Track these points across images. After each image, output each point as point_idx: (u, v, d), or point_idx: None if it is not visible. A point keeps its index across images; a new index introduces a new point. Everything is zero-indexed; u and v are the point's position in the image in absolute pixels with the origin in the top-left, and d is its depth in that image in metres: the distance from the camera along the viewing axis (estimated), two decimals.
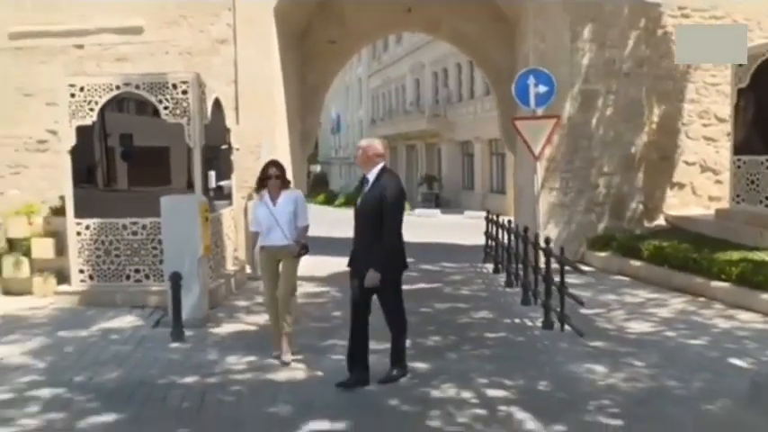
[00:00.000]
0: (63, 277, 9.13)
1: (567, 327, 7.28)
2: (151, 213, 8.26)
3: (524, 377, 5.74)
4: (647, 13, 11.81)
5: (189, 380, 5.67)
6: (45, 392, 5.28)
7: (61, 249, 9.18)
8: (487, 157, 31.70)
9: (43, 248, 9.14)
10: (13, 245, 9.26)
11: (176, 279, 6.95)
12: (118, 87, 8.44)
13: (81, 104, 8.45)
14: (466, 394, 5.35)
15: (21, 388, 5.42)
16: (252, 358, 6.31)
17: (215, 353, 6.53)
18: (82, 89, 8.45)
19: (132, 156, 9.62)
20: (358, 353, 5.51)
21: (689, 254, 9.61)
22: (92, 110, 8.44)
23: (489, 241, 12.84)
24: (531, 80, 10.57)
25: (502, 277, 10.77)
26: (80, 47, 12.11)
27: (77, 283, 8.69)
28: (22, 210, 9.37)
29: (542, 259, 8.07)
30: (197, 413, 4.91)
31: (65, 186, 8.75)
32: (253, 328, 7.63)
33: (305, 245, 6.25)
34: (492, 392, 5.39)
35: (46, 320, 7.83)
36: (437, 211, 29.50)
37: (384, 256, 5.35)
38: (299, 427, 4.61)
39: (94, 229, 8.60)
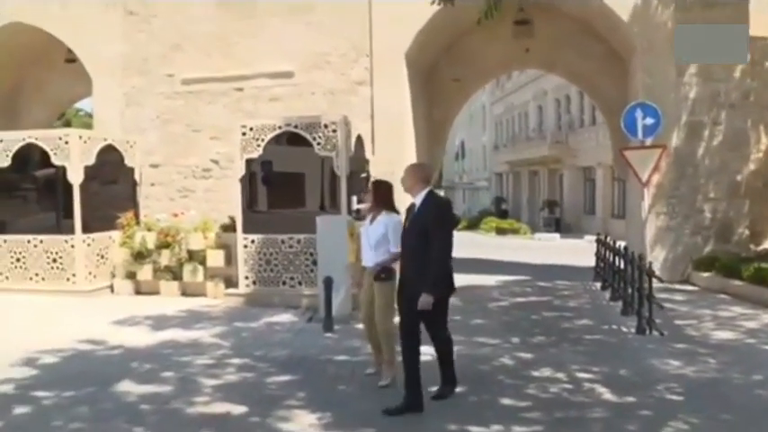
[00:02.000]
0: (230, 282, 11.17)
1: (655, 332, 8.35)
2: (290, 231, 10.02)
3: (609, 366, 6.93)
4: (752, 48, 12.49)
5: (340, 358, 7.29)
6: (235, 361, 7.08)
7: (229, 259, 11.24)
8: (609, 182, 32.03)
9: (215, 258, 11.21)
10: (192, 255, 11.41)
11: (329, 282, 8.69)
12: (280, 127, 10.42)
13: (250, 141, 10.49)
14: (559, 375, 6.63)
15: (217, 357, 7.27)
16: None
17: (359, 342, 8.13)
18: (251, 129, 10.49)
19: (271, 181, 10.96)
20: (418, 379, 5.47)
21: None
22: (258, 146, 10.46)
23: (599, 261, 13.81)
24: (639, 113, 11.59)
25: (608, 293, 11.78)
26: (240, 90, 14.43)
27: (243, 287, 10.68)
28: (199, 226, 11.52)
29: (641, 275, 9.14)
30: (349, 380, 6.46)
31: (235, 207, 10.79)
32: None
33: (386, 269, 6.06)
34: (580, 375, 6.63)
35: (222, 315, 9.81)
36: (556, 236, 30.21)
37: (435, 278, 5.35)
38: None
39: (258, 242, 10.57)
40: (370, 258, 6.23)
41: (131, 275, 11.58)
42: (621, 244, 13.10)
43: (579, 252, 22.96)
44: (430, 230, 5.35)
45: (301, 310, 10.02)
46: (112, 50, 14.80)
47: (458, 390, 5.99)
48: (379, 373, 6.33)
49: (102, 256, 11.76)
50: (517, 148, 42.74)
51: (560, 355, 7.55)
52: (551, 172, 38.70)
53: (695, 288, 11.91)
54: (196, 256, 11.34)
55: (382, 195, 6.29)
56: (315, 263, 10.37)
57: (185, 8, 14.42)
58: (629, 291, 9.80)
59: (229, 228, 11.42)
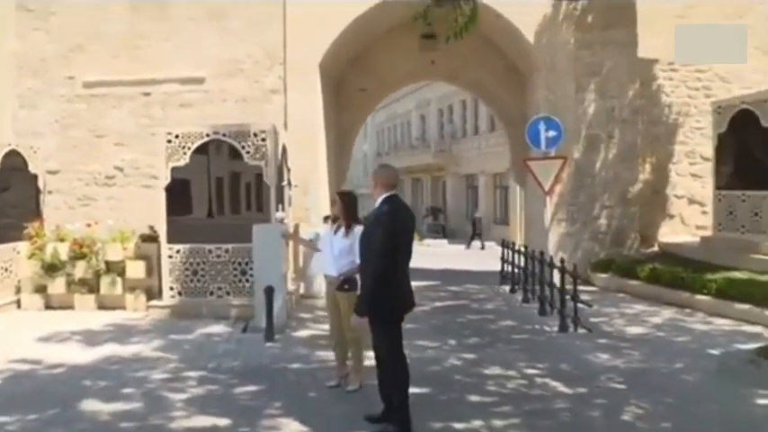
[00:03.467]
0: (151, 294, 10.83)
1: (578, 329, 9.05)
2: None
3: (549, 362, 7.47)
4: (641, 69, 13.74)
5: (295, 366, 7.36)
6: (192, 374, 6.96)
7: (150, 270, 10.89)
8: (491, 189, 33.62)
9: (136, 269, 10.83)
10: (110, 266, 10.95)
11: (270, 291, 8.69)
12: (208, 135, 10.27)
13: (176, 149, 10.26)
14: (510, 372, 7.08)
15: (171, 370, 7.12)
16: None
17: (304, 349, 8.22)
18: (177, 136, 10.26)
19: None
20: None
21: (677, 274, 11.39)
22: (185, 153, 10.25)
23: (505, 265, 14.57)
24: (542, 126, 12.46)
25: (519, 296, 12.51)
26: (147, 94, 13.99)
27: (168, 298, 10.40)
28: (116, 236, 11.07)
29: (556, 276, 9.86)
30: (315, 388, 6.50)
31: (159, 217, 10.49)
32: (324, 333, 9.31)
33: (349, 280, 6.09)
34: (528, 371, 7.12)
35: (151, 328, 9.52)
36: (445, 241, 31.30)
37: (367, 293, 5.00)
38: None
39: (184, 252, 10.34)
40: (332, 268, 6.30)
41: (41, 289, 10.93)
42: (518, 246, 13.99)
43: (470, 257, 24.10)
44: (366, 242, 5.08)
45: (231, 321, 9.91)
46: (3, 48, 13.87)
47: (425, 390, 6.25)
48: (342, 385, 6.43)
49: (7, 269, 11.01)
50: (400, 156, 43.73)
51: (500, 353, 8.03)
52: (434, 179, 40.00)
53: (595, 288, 12.89)
54: (114, 268, 10.89)
55: (348, 206, 6.41)
56: (244, 272, 10.33)
57: (88, 7, 13.79)
58: (547, 293, 10.51)
59: (149, 238, 11.08)
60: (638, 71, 13.68)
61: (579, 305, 9.18)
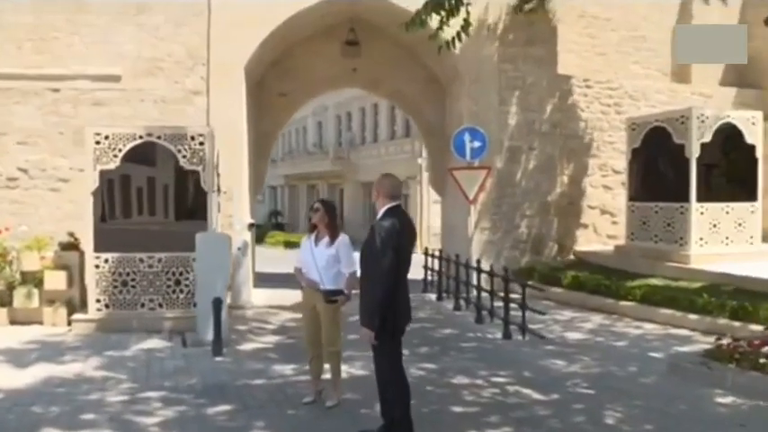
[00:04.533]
0: (71, 307, 10.04)
1: (520, 336, 9.28)
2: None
3: (511, 369, 7.59)
4: (560, 84, 14.33)
5: (258, 382, 7.04)
6: (152, 394, 6.47)
7: (71, 281, 10.11)
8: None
9: (55, 281, 10.00)
10: (25, 277, 10.05)
11: (218, 303, 8.28)
12: (141, 137, 9.66)
13: (105, 151, 9.58)
14: (477, 381, 7.13)
15: (126, 391, 6.59)
16: (292, 366, 7.71)
17: (258, 363, 7.88)
18: (107, 137, 9.59)
19: None
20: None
21: (600, 281, 11.95)
22: (115, 156, 9.59)
23: (429, 274, 14.69)
24: (467, 136, 12.77)
25: (447, 304, 12.66)
26: (56, 90, 12.99)
27: (94, 311, 9.68)
28: (32, 244, 10.18)
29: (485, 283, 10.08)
30: (291, 404, 6.20)
31: (86, 223, 9.75)
32: (270, 345, 9.04)
33: (338, 292, 6.01)
34: (495, 379, 7.20)
35: (81, 344, 8.80)
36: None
37: (376, 307, 4.87)
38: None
39: (113, 262, 9.67)
40: (316, 279, 6.10)
41: None
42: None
43: None
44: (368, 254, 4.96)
45: (165, 334, 9.38)
46: None
47: None
48: (318, 401, 6.22)
49: None
50: (296, 162, 43.35)
51: (458, 362, 8.07)
52: (331, 186, 39.86)
53: (518, 296, 13.24)
54: (30, 279, 10.01)
55: (332, 215, 6.25)
56: (178, 283, 9.80)
57: None
58: (479, 300, 10.70)
59: (69, 246, 10.28)
60: (557, 87, 14.27)
61: (529, 313, 9.40)
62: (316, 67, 15.62)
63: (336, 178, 38.14)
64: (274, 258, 21.03)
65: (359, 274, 5.94)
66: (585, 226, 14.82)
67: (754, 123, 12.35)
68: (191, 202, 10.38)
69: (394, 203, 5.16)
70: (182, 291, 9.76)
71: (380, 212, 5.13)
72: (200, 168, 9.78)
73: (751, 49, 15.69)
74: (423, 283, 14.92)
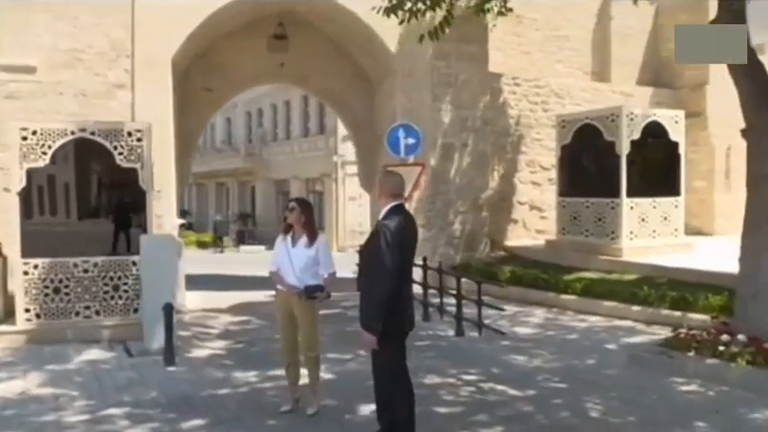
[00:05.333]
0: None
1: (473, 333, 9.31)
2: None
3: (478, 367, 7.58)
4: (490, 82, 14.52)
5: (224, 392, 6.67)
6: (114, 411, 5.99)
7: None
8: (304, 195, 33.45)
9: None
10: None
11: (169, 309, 7.79)
12: (73, 132, 8.97)
13: (33, 147, 8.83)
14: (449, 380, 7.06)
15: (84, 410, 6.06)
16: (253, 372, 7.38)
17: (216, 372, 7.48)
18: (35, 132, 8.84)
19: None
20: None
21: (538, 275, 12.21)
22: (45, 153, 8.86)
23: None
24: (402, 133, 12.67)
25: None
26: None
27: (23, 322, 8.92)
28: None
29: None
30: (268, 414, 5.90)
31: (12, 226, 8.96)
32: (221, 351, 8.63)
33: (319, 287, 5.81)
34: (467, 377, 7.16)
35: (14, 358, 8.06)
36: (262, 248, 30.55)
37: (378, 311, 4.68)
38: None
39: (44, 268, 8.94)
40: (293, 282, 5.84)
41: None
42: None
43: None
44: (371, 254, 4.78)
45: (105, 344, 8.78)
46: None
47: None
48: (296, 409, 5.96)
49: None
50: (205, 159, 41.94)
51: (421, 361, 7.92)
52: (242, 184, 38.94)
53: (454, 291, 13.34)
54: None
55: (310, 215, 6.01)
56: (116, 288, 9.20)
57: None
58: (426, 297, 10.68)
59: None
60: (488, 84, 14.45)
61: (486, 310, 9.44)
62: (243, 62, 15.11)
63: (247, 175, 37.30)
64: (194, 260, 20.19)
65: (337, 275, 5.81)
66: (515, 221, 15.12)
67: (677, 122, 12.96)
68: (94, 201, 9.96)
69: (397, 202, 4.99)
70: (120, 297, 9.17)
71: (384, 211, 4.94)
72: (137, 166, 9.20)
73: (666, 51, 16.57)
74: (356, 282, 14.73)
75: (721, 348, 6.88)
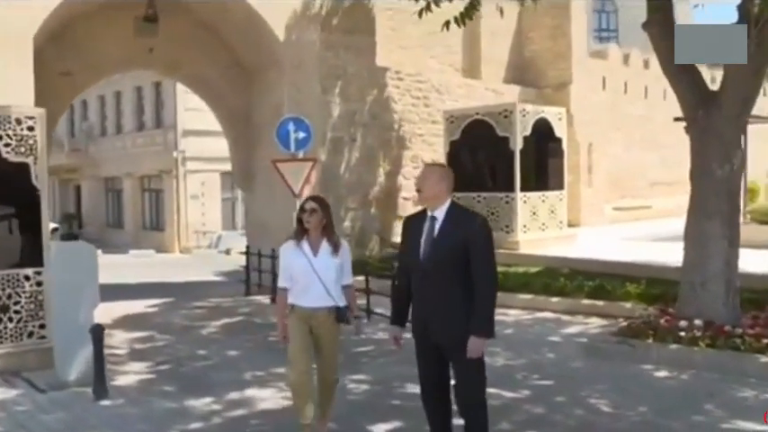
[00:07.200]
0: None
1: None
2: None
3: None
4: (377, 76, 14.25)
5: (196, 426, 5.76)
6: None
7: None
8: (138, 193, 31.08)
9: None
10: None
11: (98, 332, 6.58)
12: None
13: None
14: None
15: None
16: (210, 398, 6.49)
17: (165, 402, 6.43)
18: None
19: None
20: None
21: None
22: None
23: (250, 274, 13.59)
24: (292, 127, 12.07)
25: None
26: None
27: None
28: None
29: None
30: None
31: None
32: (151, 376, 7.55)
33: (347, 307, 5.07)
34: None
35: None
36: (99, 251, 27.86)
37: (488, 313, 4.30)
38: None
39: None
40: (319, 296, 4.94)
41: None
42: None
43: (147, 267, 21.87)
44: (475, 253, 4.24)
45: None
46: None
47: (396, 424, 5.61)
48: None
49: None
50: None
51: (383, 369, 7.54)
52: (64, 182, 35.31)
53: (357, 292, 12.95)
54: None
55: (330, 217, 5.17)
56: (5, 309, 7.68)
57: None
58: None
59: None
60: (375, 78, 14.18)
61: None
62: (107, 45, 13.60)
63: (71, 173, 33.86)
64: None
65: None
66: (401, 218, 14.98)
67: (560, 119, 13.57)
68: None
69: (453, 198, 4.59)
70: (11, 319, 7.66)
71: (446, 206, 4.47)
72: (29, 160, 7.75)
73: (530, 52, 17.36)
74: (245, 285, 13.79)
75: (681, 334, 7.18)
